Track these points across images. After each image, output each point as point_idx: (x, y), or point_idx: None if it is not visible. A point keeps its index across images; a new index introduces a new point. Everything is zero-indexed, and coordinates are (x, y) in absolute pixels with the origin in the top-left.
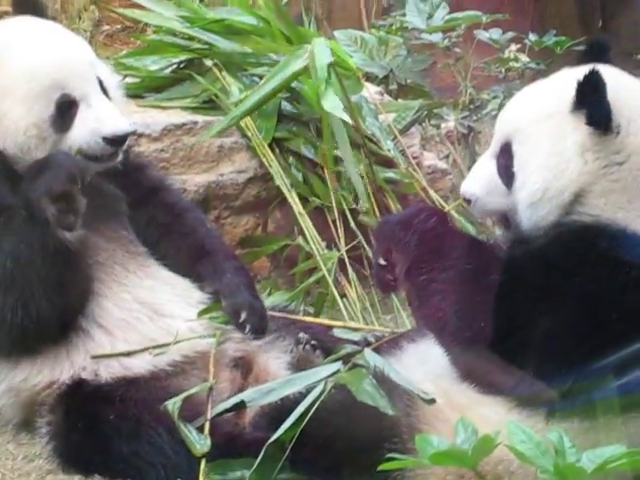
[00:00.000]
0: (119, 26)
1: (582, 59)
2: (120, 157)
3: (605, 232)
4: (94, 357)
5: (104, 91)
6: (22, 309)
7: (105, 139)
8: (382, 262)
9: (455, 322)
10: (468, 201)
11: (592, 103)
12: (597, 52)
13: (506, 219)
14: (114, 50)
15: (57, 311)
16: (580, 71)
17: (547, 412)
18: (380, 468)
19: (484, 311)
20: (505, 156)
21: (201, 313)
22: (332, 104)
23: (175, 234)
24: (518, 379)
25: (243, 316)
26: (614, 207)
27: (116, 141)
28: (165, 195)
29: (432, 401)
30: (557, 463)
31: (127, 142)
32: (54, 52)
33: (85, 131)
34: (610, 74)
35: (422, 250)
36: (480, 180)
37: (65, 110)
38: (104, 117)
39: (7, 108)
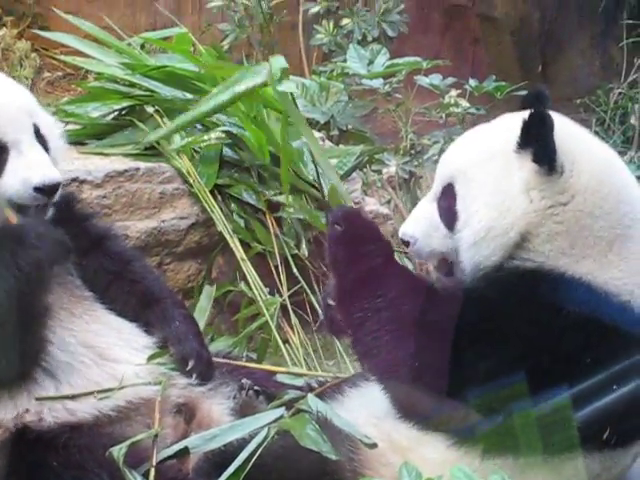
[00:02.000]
0: (60, 73)
1: (522, 107)
2: (50, 211)
3: (547, 279)
4: (38, 399)
5: (42, 140)
6: None
7: (35, 189)
8: (331, 302)
9: (392, 357)
10: (406, 243)
11: (538, 140)
12: (536, 100)
13: (445, 262)
14: (55, 97)
15: (11, 358)
16: (522, 115)
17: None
18: None
19: (421, 348)
20: (447, 197)
21: (150, 358)
22: (286, 86)
23: (124, 281)
24: (452, 409)
25: (191, 364)
26: (557, 253)
27: (46, 191)
28: (112, 244)
29: (374, 445)
30: None
31: (58, 193)
32: None
33: (15, 179)
34: (557, 118)
35: (359, 284)
36: (420, 222)
37: None
38: (34, 166)
39: None
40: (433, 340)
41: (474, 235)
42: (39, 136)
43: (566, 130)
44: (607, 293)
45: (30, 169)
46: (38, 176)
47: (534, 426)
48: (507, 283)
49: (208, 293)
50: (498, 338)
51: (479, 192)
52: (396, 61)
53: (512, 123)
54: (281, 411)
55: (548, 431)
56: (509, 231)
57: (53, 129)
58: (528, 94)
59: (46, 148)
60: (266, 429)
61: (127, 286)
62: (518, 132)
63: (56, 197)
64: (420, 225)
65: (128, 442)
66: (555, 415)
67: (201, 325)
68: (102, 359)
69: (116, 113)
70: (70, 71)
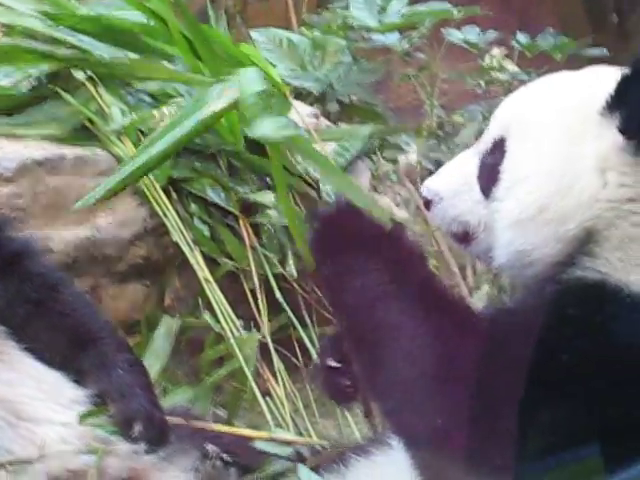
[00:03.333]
0: None
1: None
2: None
3: (619, 301)
4: None
5: None
6: None
7: None
8: (333, 364)
9: (424, 418)
10: (428, 203)
11: (634, 105)
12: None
13: (468, 236)
14: None
15: None
16: (621, 70)
17: None
18: None
19: (462, 405)
20: (495, 155)
21: (82, 418)
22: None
23: (49, 314)
24: None
25: (137, 428)
26: (630, 265)
27: None
28: (32, 263)
29: None
30: None
31: None
32: None
33: None
34: None
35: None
36: (450, 178)
37: None
38: None
39: None
40: (484, 389)
41: (517, 212)
42: None
43: None
44: None
45: None
46: None
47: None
48: (571, 306)
49: (168, 327)
50: (564, 386)
51: (537, 155)
52: (417, 8)
53: (604, 76)
54: None
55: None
56: (568, 219)
57: None
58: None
59: None
60: None
61: (52, 320)
62: (611, 88)
63: None
64: (449, 181)
65: None
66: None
67: (154, 372)
68: (17, 418)
69: (33, 80)
70: None
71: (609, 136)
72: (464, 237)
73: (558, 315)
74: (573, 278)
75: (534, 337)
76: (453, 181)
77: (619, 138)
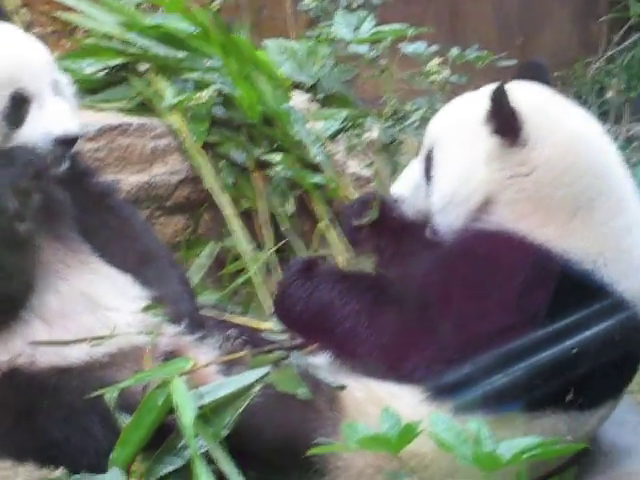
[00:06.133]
0: (50, 29)
1: (519, 76)
2: (67, 162)
3: (507, 241)
4: (32, 343)
5: (60, 93)
6: None
7: (55, 139)
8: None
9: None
10: (397, 201)
11: (499, 114)
12: (533, 71)
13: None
14: None
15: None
16: (509, 84)
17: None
18: (310, 452)
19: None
20: (428, 161)
21: (144, 310)
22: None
23: (123, 238)
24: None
25: (183, 324)
26: (517, 216)
27: (66, 142)
28: (113, 200)
29: (342, 387)
30: (476, 451)
31: (75, 145)
32: (12, 49)
33: (36, 129)
34: (535, 90)
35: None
36: (408, 182)
37: (17, 105)
38: (56, 117)
39: None
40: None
41: (441, 200)
42: (58, 90)
43: (543, 104)
44: (568, 259)
45: (51, 120)
46: (59, 127)
47: (501, 383)
48: (468, 242)
49: (210, 250)
50: (458, 296)
51: (448, 159)
52: (382, 28)
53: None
54: (267, 369)
55: (514, 388)
56: (471, 197)
57: (66, 82)
58: (525, 64)
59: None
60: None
61: (127, 243)
62: (486, 105)
63: (73, 149)
64: (407, 184)
65: (120, 386)
66: (520, 374)
67: (196, 280)
68: (96, 307)
69: (109, 69)
70: (58, 27)
71: (490, 138)
72: (428, 222)
73: (463, 248)
74: (476, 229)
75: (446, 265)
76: (409, 184)
77: (496, 138)
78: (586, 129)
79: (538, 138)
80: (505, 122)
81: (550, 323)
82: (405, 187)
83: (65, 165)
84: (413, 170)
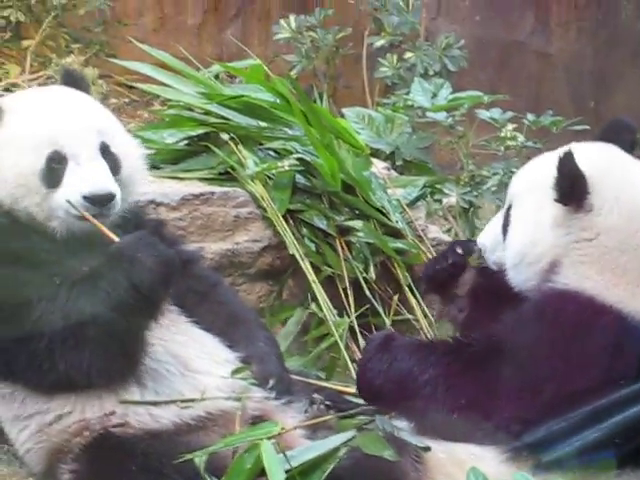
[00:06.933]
0: (126, 100)
1: (601, 135)
2: (108, 219)
3: (576, 301)
4: (123, 402)
5: (112, 158)
6: (95, 354)
7: (85, 198)
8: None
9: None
10: (480, 250)
11: (561, 182)
12: (617, 130)
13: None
14: (122, 123)
15: (116, 363)
16: (587, 144)
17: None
18: None
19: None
20: (506, 217)
21: (233, 373)
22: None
23: (212, 302)
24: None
25: (271, 383)
26: (582, 278)
27: (95, 200)
28: (199, 267)
29: (427, 449)
30: None
31: (112, 204)
32: (57, 112)
33: (69, 189)
34: (605, 154)
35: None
36: (490, 233)
37: (54, 166)
38: (88, 176)
39: (3, 157)
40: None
41: (512, 259)
42: (108, 154)
43: (612, 169)
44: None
45: (83, 180)
46: (88, 186)
47: (581, 442)
48: (546, 304)
49: (298, 317)
50: (539, 356)
51: (521, 219)
52: (459, 95)
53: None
54: (352, 432)
55: (593, 448)
56: (540, 260)
57: (131, 150)
58: (611, 123)
59: (117, 166)
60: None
61: (214, 307)
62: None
63: (110, 209)
64: (489, 236)
65: (210, 450)
66: (599, 434)
67: (284, 346)
68: (186, 369)
69: (191, 139)
70: (135, 98)
71: (555, 203)
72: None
73: (537, 309)
74: (547, 288)
75: (525, 326)
76: (491, 236)
77: (559, 205)
78: None
79: (604, 204)
80: (570, 190)
81: (630, 383)
82: (487, 238)
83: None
84: (495, 223)
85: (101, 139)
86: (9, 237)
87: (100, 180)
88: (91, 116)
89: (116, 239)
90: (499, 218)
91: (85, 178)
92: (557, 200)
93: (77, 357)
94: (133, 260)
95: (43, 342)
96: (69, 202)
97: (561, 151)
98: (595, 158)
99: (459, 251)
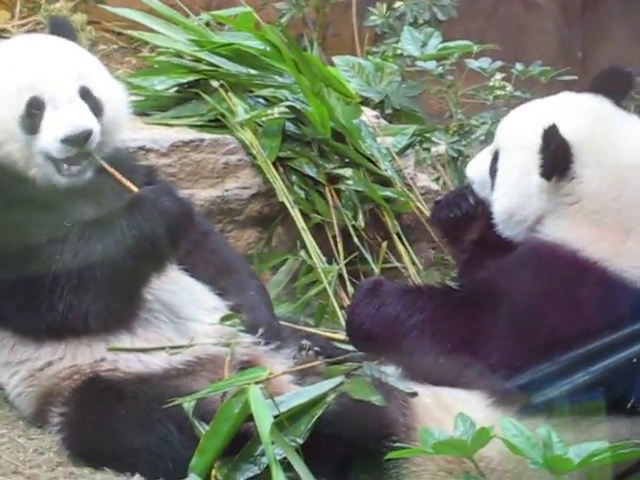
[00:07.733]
0: (115, 46)
1: (595, 83)
2: (90, 159)
3: (561, 253)
4: (111, 349)
5: (93, 101)
6: (97, 297)
7: (63, 141)
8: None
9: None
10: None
11: (545, 159)
12: (612, 80)
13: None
14: (110, 69)
15: (116, 309)
16: (576, 98)
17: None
18: (388, 456)
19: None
20: (494, 160)
21: (222, 320)
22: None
23: (203, 250)
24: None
25: (260, 331)
26: (566, 230)
27: (73, 141)
28: None
29: (414, 394)
30: (546, 455)
31: (91, 142)
32: (37, 59)
33: (47, 134)
34: (592, 114)
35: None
36: (478, 169)
37: (33, 111)
38: (64, 119)
39: None
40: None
41: (500, 215)
42: (89, 97)
43: (592, 130)
44: (621, 277)
45: (59, 123)
46: (64, 128)
47: (564, 389)
48: (526, 252)
49: (289, 266)
50: (517, 302)
51: (508, 176)
52: (448, 44)
53: (555, 112)
54: (341, 378)
55: (577, 394)
56: (527, 219)
57: (114, 94)
58: (605, 71)
59: (99, 109)
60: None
61: (205, 255)
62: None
63: (89, 145)
64: (477, 171)
65: (198, 395)
66: (581, 380)
67: (274, 294)
68: (176, 317)
69: (180, 86)
70: (123, 44)
71: (539, 172)
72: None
73: (522, 258)
74: (533, 238)
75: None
76: (478, 172)
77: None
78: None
79: (585, 171)
80: (553, 167)
81: (609, 333)
82: (475, 172)
83: (89, 166)
84: (483, 159)
85: (81, 83)
86: (10, 182)
87: (75, 119)
88: (71, 61)
89: (135, 189)
90: (487, 156)
91: (61, 122)
92: (542, 175)
93: (78, 298)
94: (157, 206)
95: (47, 281)
96: (50, 147)
97: (558, 97)
98: (580, 122)
99: (471, 200)
